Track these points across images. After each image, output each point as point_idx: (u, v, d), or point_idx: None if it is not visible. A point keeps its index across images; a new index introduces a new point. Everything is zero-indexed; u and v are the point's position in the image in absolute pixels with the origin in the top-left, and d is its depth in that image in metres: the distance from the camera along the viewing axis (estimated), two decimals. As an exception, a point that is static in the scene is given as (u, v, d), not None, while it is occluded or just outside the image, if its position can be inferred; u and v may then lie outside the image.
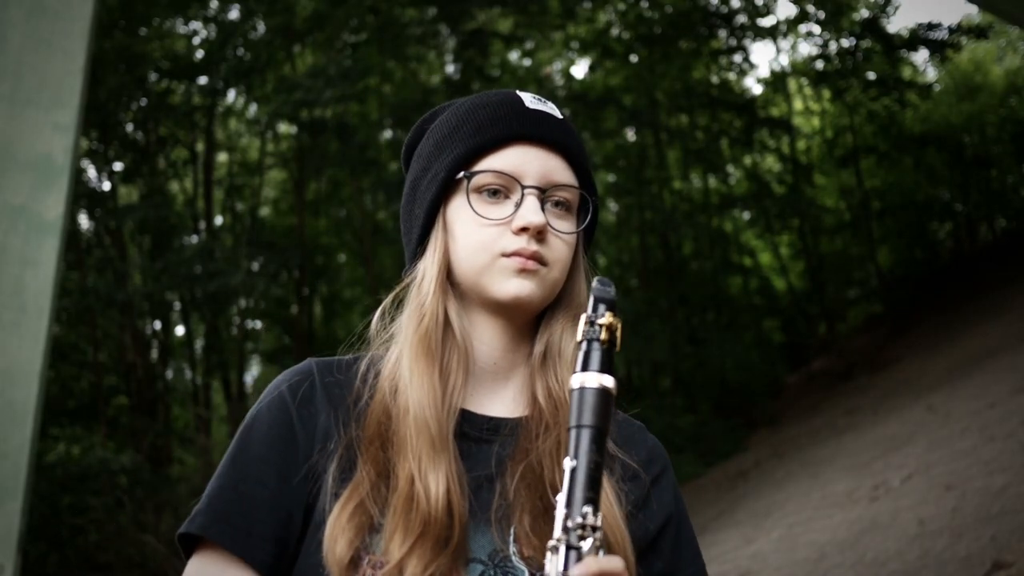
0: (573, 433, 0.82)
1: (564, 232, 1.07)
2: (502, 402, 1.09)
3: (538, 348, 1.09)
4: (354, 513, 0.95)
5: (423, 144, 1.15)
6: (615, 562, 0.78)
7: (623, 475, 1.05)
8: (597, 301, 0.86)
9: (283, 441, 1.02)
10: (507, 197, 1.06)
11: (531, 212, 1.03)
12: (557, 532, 0.79)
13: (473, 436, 1.05)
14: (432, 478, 0.95)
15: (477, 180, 1.06)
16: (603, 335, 0.84)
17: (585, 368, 0.83)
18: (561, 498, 0.81)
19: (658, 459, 1.13)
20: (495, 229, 1.04)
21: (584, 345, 0.85)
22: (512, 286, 1.03)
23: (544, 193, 1.05)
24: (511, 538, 0.97)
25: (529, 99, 1.11)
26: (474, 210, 1.05)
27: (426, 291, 1.06)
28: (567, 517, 0.79)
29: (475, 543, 0.97)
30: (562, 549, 0.78)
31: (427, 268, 1.08)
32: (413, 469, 0.96)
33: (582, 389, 0.83)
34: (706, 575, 1.11)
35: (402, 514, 0.94)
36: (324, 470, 1.00)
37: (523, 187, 1.05)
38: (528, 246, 1.03)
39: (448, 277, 1.08)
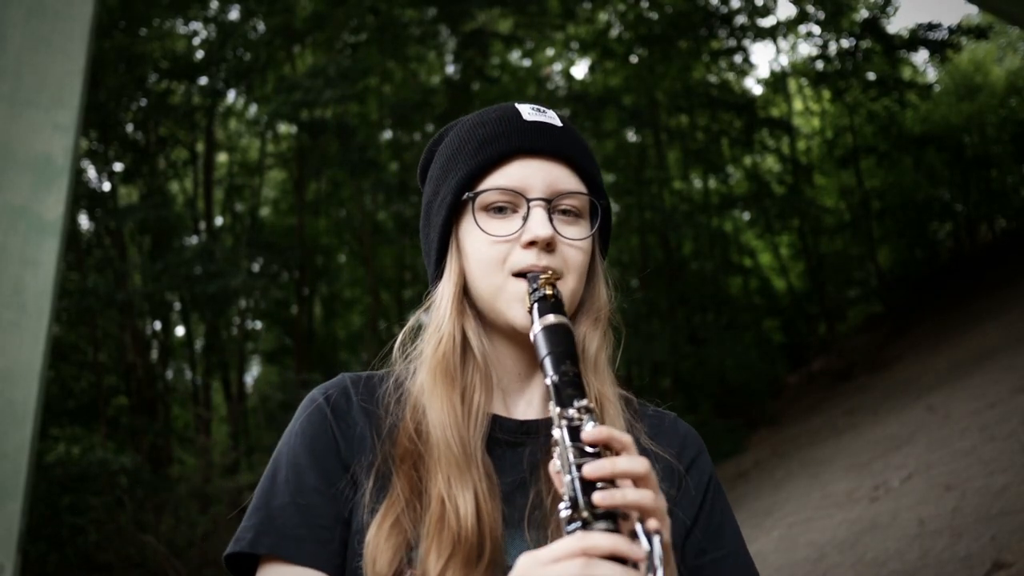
0: (549, 358, 0.94)
1: (576, 239, 1.07)
2: (530, 404, 1.11)
3: None
4: (391, 531, 0.97)
5: (433, 167, 1.17)
6: (625, 435, 0.87)
7: (660, 475, 1.04)
8: (530, 277, 1.02)
9: (326, 450, 1.04)
10: (514, 212, 1.06)
11: (538, 225, 1.03)
12: (555, 423, 0.89)
13: (505, 441, 1.06)
14: (461, 498, 0.97)
15: (482, 199, 1.06)
16: (548, 291, 1.00)
17: (543, 315, 0.98)
18: (552, 403, 0.91)
19: (692, 445, 1.15)
20: (505, 245, 1.05)
21: (536, 304, 0.99)
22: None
23: (551, 203, 1.06)
24: (547, 541, 0.98)
25: (528, 111, 1.11)
26: (482, 229, 1.06)
27: (443, 313, 1.08)
28: (562, 412, 0.90)
29: (513, 549, 0.98)
30: (566, 430, 0.88)
31: (444, 289, 1.09)
32: (443, 489, 0.98)
33: (546, 327, 0.97)
34: (746, 552, 1.10)
35: (435, 533, 0.96)
36: (361, 481, 1.02)
37: (528, 200, 1.05)
38: (538, 261, 1.03)
39: (467, 295, 1.09)
